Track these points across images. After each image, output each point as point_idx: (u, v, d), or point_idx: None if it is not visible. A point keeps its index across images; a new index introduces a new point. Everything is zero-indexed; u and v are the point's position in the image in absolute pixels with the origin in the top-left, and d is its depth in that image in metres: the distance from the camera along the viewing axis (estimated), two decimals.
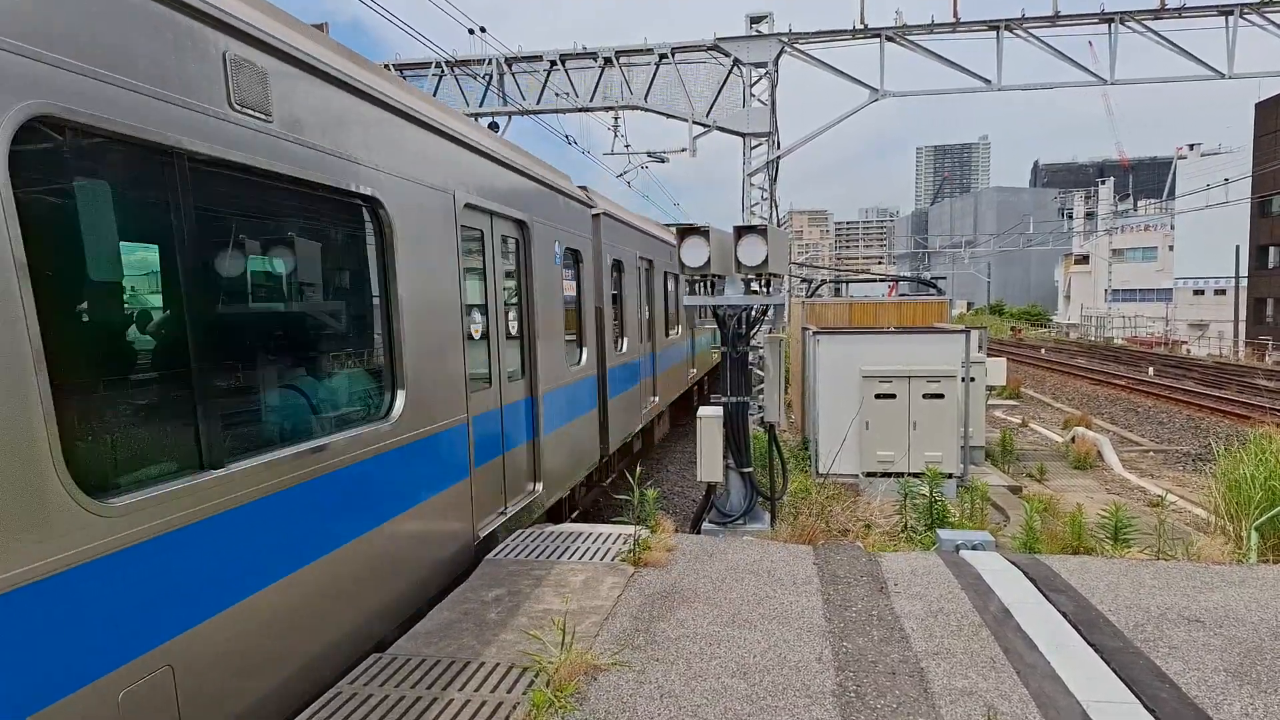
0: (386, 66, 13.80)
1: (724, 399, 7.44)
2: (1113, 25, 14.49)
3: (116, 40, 2.68)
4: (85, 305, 2.92)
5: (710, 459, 7.36)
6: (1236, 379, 25.75)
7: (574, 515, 8.39)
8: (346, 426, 4.02)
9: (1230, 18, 14.29)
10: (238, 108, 3.21)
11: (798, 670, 3.77)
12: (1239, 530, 7.00)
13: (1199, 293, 53.88)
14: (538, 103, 16.15)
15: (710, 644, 4.07)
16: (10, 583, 2.25)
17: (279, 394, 3.83)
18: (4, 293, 2.27)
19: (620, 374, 9.69)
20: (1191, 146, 61.29)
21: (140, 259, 3.14)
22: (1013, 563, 5.39)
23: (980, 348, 12.55)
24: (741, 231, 6.80)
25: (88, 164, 2.78)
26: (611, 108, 16.15)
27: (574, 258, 8.07)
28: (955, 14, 15.07)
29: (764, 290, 7.20)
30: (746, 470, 7.61)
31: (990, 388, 15.28)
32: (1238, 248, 42.62)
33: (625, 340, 9.98)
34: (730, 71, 15.35)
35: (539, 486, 6.69)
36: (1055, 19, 14.54)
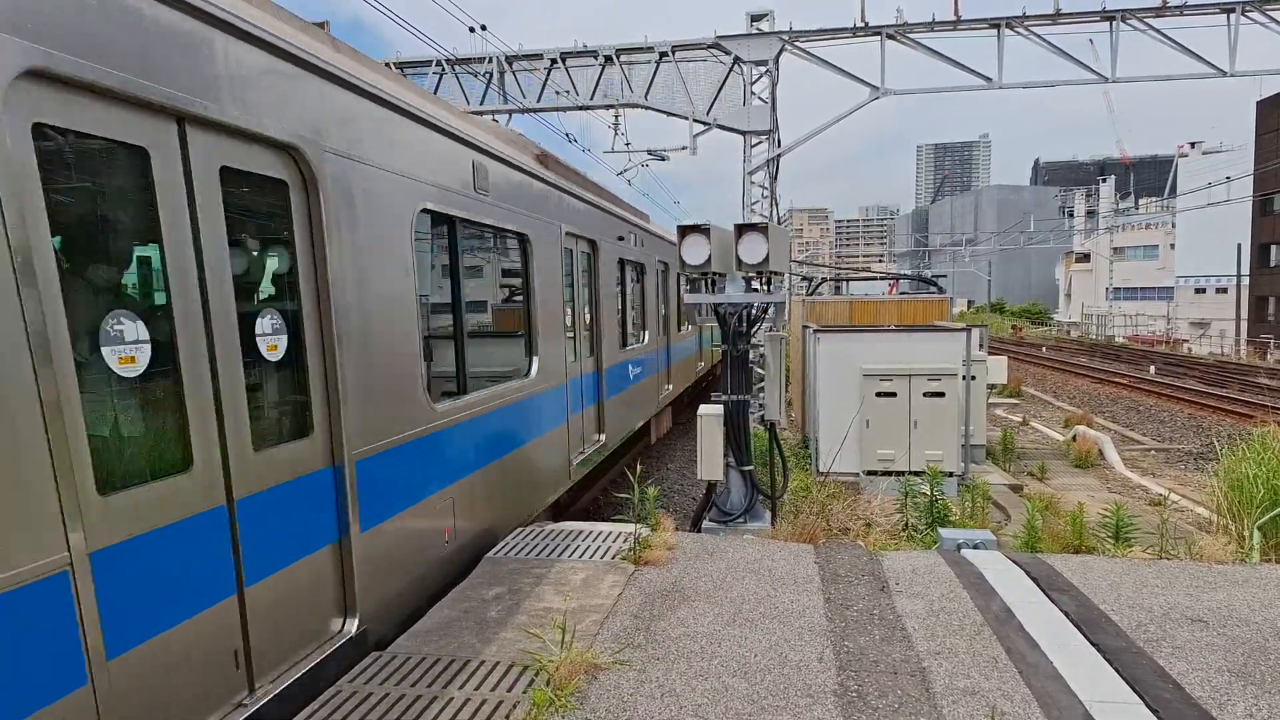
0: (387, 64, 13.78)
1: (724, 397, 7.42)
2: (1114, 23, 14.44)
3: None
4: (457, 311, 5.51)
5: (711, 457, 7.35)
6: (1238, 377, 25.72)
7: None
8: (520, 377, 6.43)
9: (1232, 15, 14.23)
10: (478, 191, 5.58)
11: (799, 670, 3.76)
12: (1241, 529, 6.98)
13: (1200, 291, 53.81)
14: (538, 101, 16.11)
15: (711, 643, 4.05)
16: (404, 439, 4.43)
17: (505, 353, 6.70)
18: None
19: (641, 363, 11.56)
20: (1193, 144, 61.15)
21: (472, 286, 6.13)
22: (1014, 562, 5.37)
23: (981, 346, 12.53)
24: (742, 229, 6.78)
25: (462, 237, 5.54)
26: (612, 106, 16.11)
27: (624, 266, 10.11)
28: (956, 12, 15.02)
29: (765, 288, 7.18)
30: (747, 468, 7.60)
31: (991, 386, 15.28)
32: (1239, 246, 42.55)
33: (646, 332, 11.68)
34: (730, 70, 15.30)
35: (602, 436, 8.72)
36: (1056, 17, 14.48)
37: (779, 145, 15.77)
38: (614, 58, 15.67)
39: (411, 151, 4.62)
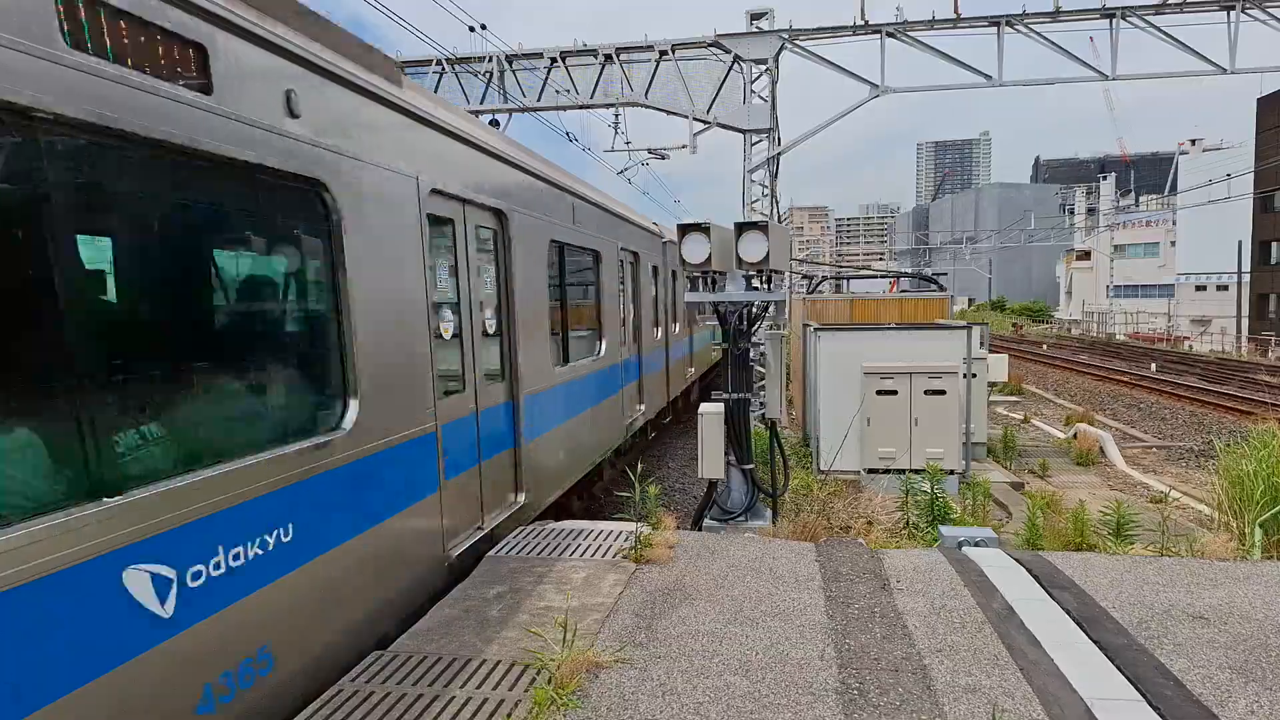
0: None
1: (725, 395, 7.42)
2: (1114, 20, 14.42)
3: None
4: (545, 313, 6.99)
5: (712, 455, 7.35)
6: (1239, 375, 25.71)
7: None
8: (593, 355, 8.53)
9: (1232, 12, 14.21)
10: (575, 223, 7.81)
11: (800, 668, 3.76)
12: (1242, 526, 6.98)
13: (1201, 288, 53.75)
14: (538, 100, 16.10)
15: (712, 641, 4.06)
16: (544, 388, 6.71)
17: (584, 340, 8.41)
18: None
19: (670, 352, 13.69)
20: (1194, 142, 61.07)
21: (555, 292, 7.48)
22: (1016, 559, 5.37)
23: (982, 344, 12.51)
24: (742, 228, 6.78)
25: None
26: (612, 104, 16.10)
27: (654, 270, 12.23)
28: (956, 10, 15.01)
29: (765, 286, 7.18)
30: (748, 467, 7.60)
31: (992, 384, 15.28)
32: (1240, 243, 42.54)
33: (677, 324, 14.08)
34: (730, 68, 15.29)
35: (640, 407, 10.87)
36: (1056, 14, 14.46)
37: (779, 143, 15.76)
38: (614, 56, 15.66)
39: (546, 204, 6.93)
